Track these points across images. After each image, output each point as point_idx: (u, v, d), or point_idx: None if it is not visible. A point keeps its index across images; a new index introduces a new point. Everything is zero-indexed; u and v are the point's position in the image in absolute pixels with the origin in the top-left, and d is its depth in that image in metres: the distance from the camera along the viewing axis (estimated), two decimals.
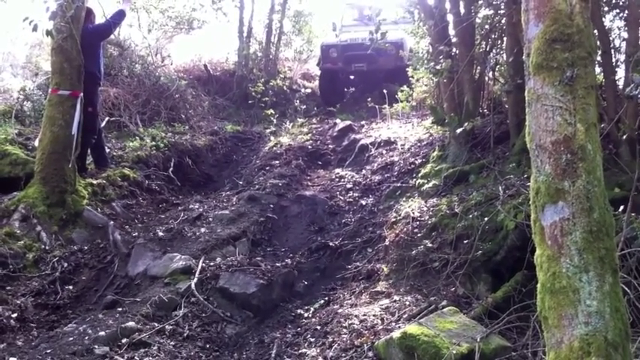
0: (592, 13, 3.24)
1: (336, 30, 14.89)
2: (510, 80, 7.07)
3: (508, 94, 7.32)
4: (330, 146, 10.44)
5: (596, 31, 5.83)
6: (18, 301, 5.89)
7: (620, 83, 6.44)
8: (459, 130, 7.39)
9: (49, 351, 4.93)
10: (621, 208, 4.62)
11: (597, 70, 6.10)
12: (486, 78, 8.59)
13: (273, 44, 16.40)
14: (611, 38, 6.65)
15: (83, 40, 7.66)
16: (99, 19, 8.72)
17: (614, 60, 6.46)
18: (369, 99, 12.37)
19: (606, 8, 6.67)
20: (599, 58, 6.08)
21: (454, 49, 7.99)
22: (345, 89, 14.73)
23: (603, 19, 6.42)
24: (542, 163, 2.91)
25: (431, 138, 9.02)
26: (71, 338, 5.14)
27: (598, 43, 5.91)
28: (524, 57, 3.16)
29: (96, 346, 4.99)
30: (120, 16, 8.57)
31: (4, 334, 5.37)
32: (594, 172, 2.81)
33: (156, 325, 5.49)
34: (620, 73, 6.55)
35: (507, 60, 7.28)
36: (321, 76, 14.86)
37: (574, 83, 2.89)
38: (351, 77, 15.10)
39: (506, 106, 7.77)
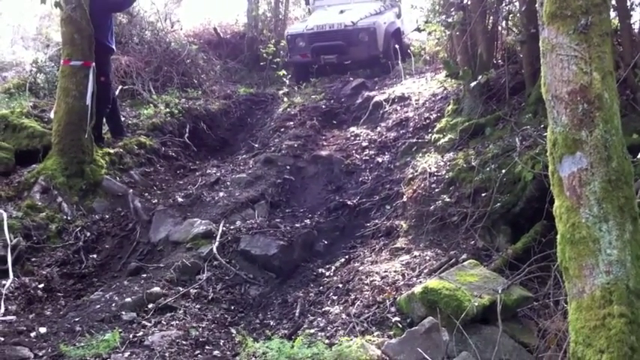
0: None
1: (309, 4, 13.96)
2: (524, 30, 6.95)
3: (522, 43, 7.22)
4: (344, 105, 10.36)
5: None
6: (44, 272, 6.00)
7: (636, 27, 6.32)
8: (473, 84, 7.31)
9: (77, 319, 5.03)
10: None
11: (612, 14, 5.98)
12: (499, 28, 8.45)
13: (282, 4, 16.22)
14: None
15: (93, 8, 7.63)
16: None
17: (628, 3, 6.32)
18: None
19: None
20: (613, 2, 5.96)
21: (466, 0, 7.86)
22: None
23: None
24: (558, 114, 2.89)
25: (445, 92, 8.93)
26: (98, 306, 5.24)
27: None
28: (537, 6, 3.11)
29: (123, 312, 5.10)
30: None
31: (32, 305, 5.49)
32: (612, 121, 2.79)
33: (180, 289, 5.58)
34: (636, 16, 6.43)
35: (520, 9, 7.16)
36: (293, 68, 12.79)
37: (589, 31, 2.85)
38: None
39: (521, 56, 7.66)
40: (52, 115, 8.01)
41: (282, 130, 9.57)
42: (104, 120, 8.46)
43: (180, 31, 14.11)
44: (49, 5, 7.22)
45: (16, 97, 9.66)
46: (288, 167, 8.16)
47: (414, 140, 8.06)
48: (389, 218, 6.73)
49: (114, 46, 8.51)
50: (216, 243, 6.29)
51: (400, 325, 4.60)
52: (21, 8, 16.66)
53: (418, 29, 12.87)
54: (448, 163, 6.77)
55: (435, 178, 6.65)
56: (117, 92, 9.40)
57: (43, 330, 4.87)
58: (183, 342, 4.71)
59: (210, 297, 5.57)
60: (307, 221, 7.07)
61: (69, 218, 6.88)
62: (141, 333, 4.81)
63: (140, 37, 11.86)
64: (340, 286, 5.55)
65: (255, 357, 4.26)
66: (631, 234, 2.69)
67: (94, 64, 7.61)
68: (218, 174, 8.13)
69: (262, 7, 15.96)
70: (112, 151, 8.09)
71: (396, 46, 12.07)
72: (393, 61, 11.77)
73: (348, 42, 11.86)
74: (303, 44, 12.28)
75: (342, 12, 12.35)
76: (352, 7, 12.58)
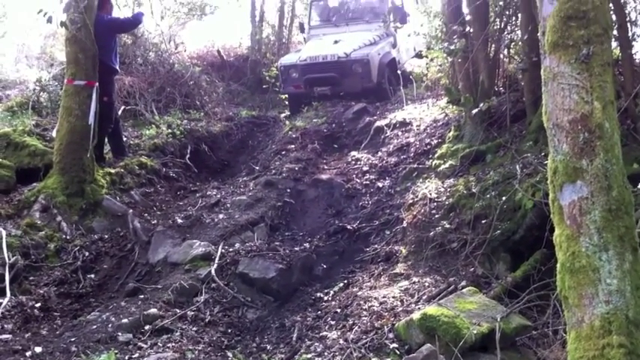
0: None
1: (305, 32, 13.73)
2: (526, 58, 6.99)
3: (523, 71, 7.25)
4: (345, 129, 10.38)
5: (611, 4, 5.75)
6: (41, 291, 5.98)
7: (638, 57, 6.36)
8: (474, 111, 7.34)
9: (73, 339, 5.00)
10: None
11: (613, 44, 6.01)
12: (501, 56, 8.50)
13: (285, 27, 16.36)
14: (627, 11, 6.55)
15: (97, 29, 7.69)
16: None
17: (630, 34, 6.36)
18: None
19: None
20: (615, 32, 5.99)
21: (468, 28, 7.91)
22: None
23: None
24: (559, 143, 2.90)
25: (446, 118, 8.95)
26: (95, 326, 5.21)
27: (614, 17, 5.82)
28: (539, 35, 3.14)
29: (119, 334, 5.06)
30: (141, 16, 8.66)
31: (28, 324, 5.46)
32: (612, 151, 2.80)
33: (177, 311, 5.54)
34: (638, 46, 6.47)
35: (522, 37, 7.21)
36: (288, 99, 12.77)
37: (590, 61, 2.87)
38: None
39: (522, 84, 7.70)
40: (54, 134, 8.03)
41: (284, 153, 9.58)
42: (106, 140, 8.49)
43: (184, 53, 14.22)
44: (54, 24, 7.30)
45: (19, 115, 9.69)
46: (288, 190, 8.15)
47: (415, 166, 8.06)
48: (388, 243, 6.71)
49: (117, 67, 8.57)
50: (215, 265, 6.26)
51: (398, 352, 4.56)
52: (26, 27, 16.80)
53: (419, 55, 12.82)
54: (448, 189, 6.76)
55: (435, 203, 6.64)
56: (120, 112, 9.44)
57: (38, 349, 4.84)
58: None
59: (207, 319, 5.53)
60: (306, 245, 7.05)
61: (68, 237, 6.87)
62: (137, 355, 4.77)
63: (144, 58, 11.94)
64: (338, 310, 5.51)
65: None
66: (631, 264, 2.69)
67: (97, 83, 7.65)
68: (218, 196, 8.13)
69: (266, 30, 16.11)
70: (112, 170, 8.10)
71: (398, 72, 12.07)
72: (388, 92, 11.69)
73: (342, 73, 11.65)
74: (296, 75, 12.04)
75: (336, 42, 12.18)
76: (347, 37, 12.41)
